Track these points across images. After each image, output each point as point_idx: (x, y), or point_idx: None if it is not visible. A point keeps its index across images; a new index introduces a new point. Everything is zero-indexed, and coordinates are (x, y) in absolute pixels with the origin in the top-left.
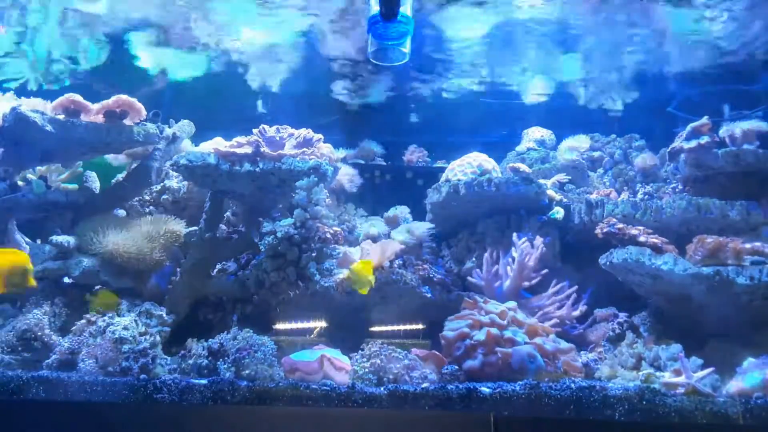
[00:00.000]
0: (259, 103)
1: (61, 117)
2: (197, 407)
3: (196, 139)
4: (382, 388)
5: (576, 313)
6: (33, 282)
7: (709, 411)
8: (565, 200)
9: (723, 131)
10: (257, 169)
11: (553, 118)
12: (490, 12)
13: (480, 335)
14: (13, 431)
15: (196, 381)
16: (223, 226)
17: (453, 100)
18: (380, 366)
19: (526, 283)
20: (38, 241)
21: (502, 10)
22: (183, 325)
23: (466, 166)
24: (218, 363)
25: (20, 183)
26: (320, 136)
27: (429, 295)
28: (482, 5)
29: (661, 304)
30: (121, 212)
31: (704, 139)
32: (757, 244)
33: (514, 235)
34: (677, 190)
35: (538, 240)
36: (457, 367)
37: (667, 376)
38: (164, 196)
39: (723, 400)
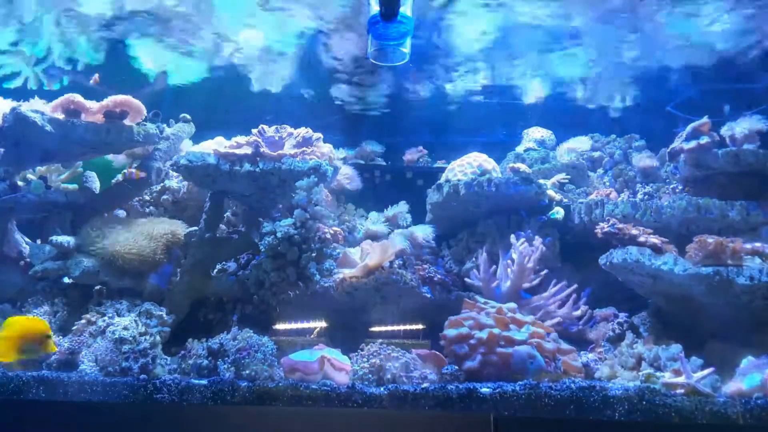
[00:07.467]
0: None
1: (61, 117)
2: (197, 407)
3: (196, 139)
4: (381, 389)
5: (577, 312)
6: (53, 348)
7: (709, 411)
8: (565, 200)
9: (724, 130)
10: (257, 169)
11: (553, 118)
12: (492, 12)
13: (480, 335)
14: (13, 431)
15: (196, 381)
16: (223, 226)
17: (453, 100)
18: (380, 366)
19: (526, 284)
20: (38, 241)
21: (503, 10)
22: (183, 325)
23: (466, 167)
24: (218, 363)
25: (20, 183)
26: (319, 135)
27: (429, 295)
28: (486, 6)
29: (661, 304)
30: (121, 212)
31: (704, 139)
32: (757, 244)
33: (512, 236)
34: (677, 190)
35: (537, 240)
36: (457, 367)
37: (667, 376)
38: (164, 196)
39: (723, 401)
